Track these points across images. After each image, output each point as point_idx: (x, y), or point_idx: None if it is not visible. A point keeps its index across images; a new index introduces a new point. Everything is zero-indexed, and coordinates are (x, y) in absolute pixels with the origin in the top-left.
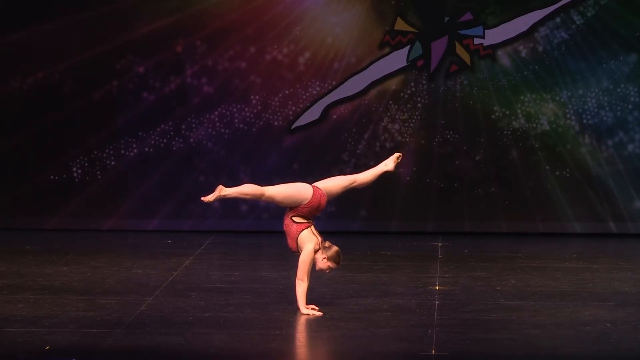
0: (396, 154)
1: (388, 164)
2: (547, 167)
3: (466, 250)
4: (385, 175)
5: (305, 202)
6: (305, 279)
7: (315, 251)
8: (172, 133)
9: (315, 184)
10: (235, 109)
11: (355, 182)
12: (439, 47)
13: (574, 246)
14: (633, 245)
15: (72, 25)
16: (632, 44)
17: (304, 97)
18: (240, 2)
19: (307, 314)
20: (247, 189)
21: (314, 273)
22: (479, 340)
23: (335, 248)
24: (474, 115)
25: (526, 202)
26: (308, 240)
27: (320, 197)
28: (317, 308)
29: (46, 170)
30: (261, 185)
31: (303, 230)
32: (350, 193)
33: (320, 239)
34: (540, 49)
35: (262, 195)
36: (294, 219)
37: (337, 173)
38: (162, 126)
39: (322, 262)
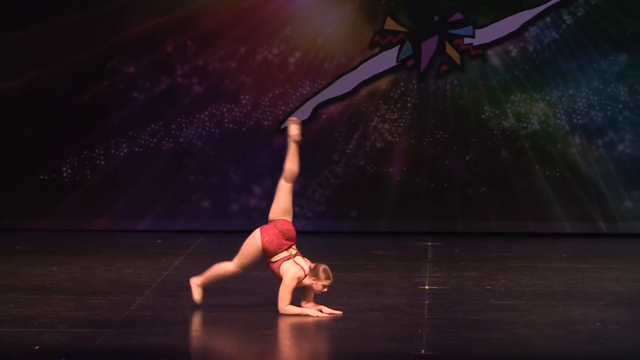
0: (290, 120)
1: (291, 136)
2: (538, 167)
3: (457, 250)
4: (373, 174)
5: (260, 244)
6: (287, 309)
7: (301, 279)
8: (162, 133)
9: (270, 214)
10: (225, 109)
11: (285, 180)
12: (429, 47)
13: (565, 246)
14: (623, 245)
15: (62, 25)
16: (623, 43)
17: (294, 97)
18: (231, 2)
19: (318, 315)
20: (216, 270)
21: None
22: (469, 340)
23: (321, 267)
24: (464, 115)
25: (517, 202)
26: (286, 271)
27: (274, 227)
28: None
29: (36, 171)
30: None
31: (282, 263)
32: (340, 193)
33: (303, 266)
34: (531, 48)
35: (230, 269)
36: (271, 259)
37: (327, 173)
38: (153, 126)
39: (316, 285)
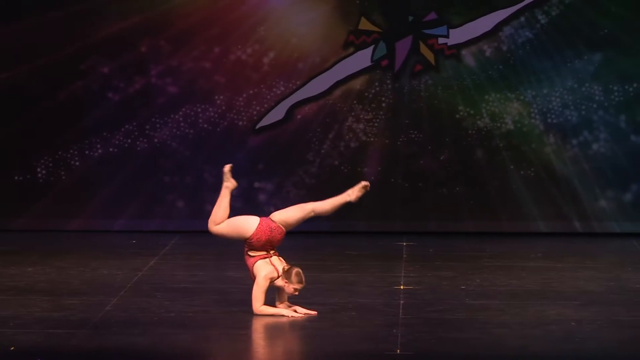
0: (362, 184)
1: (352, 195)
2: (512, 167)
3: (431, 250)
4: (348, 174)
5: (249, 235)
6: (261, 310)
7: (274, 280)
8: (136, 133)
9: (273, 214)
10: (199, 109)
11: (313, 212)
12: (403, 46)
13: (540, 245)
14: (598, 244)
15: (36, 25)
16: (597, 43)
17: (269, 97)
18: (205, 2)
19: (293, 315)
20: (225, 207)
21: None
22: (444, 340)
23: (294, 270)
24: (439, 115)
25: (491, 202)
26: (259, 270)
27: (270, 230)
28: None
29: (10, 171)
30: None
31: (257, 261)
32: (314, 193)
33: (277, 267)
34: (505, 48)
35: (216, 223)
36: (249, 253)
37: (302, 173)
38: (127, 126)
39: (287, 287)
